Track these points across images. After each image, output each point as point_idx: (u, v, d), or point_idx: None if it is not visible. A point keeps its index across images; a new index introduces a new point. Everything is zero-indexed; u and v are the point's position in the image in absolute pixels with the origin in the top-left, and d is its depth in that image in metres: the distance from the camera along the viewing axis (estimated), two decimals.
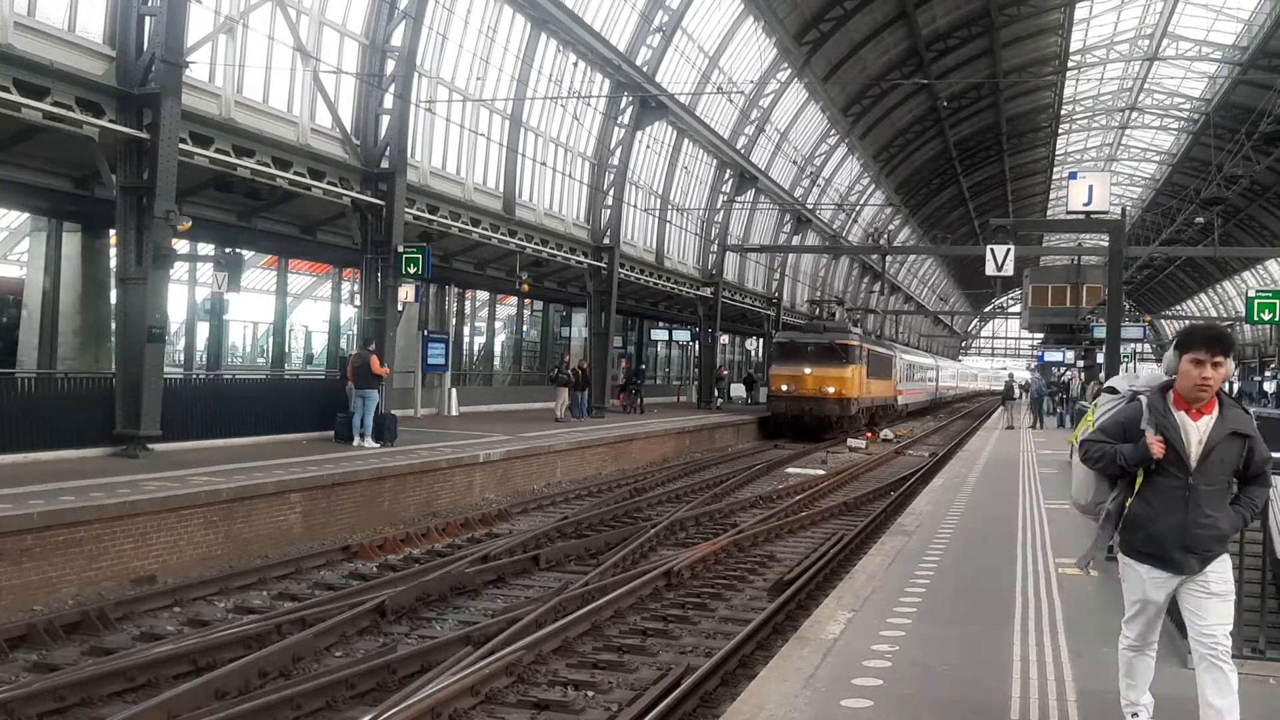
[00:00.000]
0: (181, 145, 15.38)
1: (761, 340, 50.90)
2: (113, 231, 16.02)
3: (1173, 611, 7.68)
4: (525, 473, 19.29)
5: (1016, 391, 42.61)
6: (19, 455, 13.48)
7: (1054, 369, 52.00)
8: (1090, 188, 12.41)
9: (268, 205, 20.39)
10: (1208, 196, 46.86)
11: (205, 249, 19.31)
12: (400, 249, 19.79)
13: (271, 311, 24.93)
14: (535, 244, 27.41)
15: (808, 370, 33.88)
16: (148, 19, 15.13)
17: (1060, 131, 62.45)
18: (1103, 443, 4.91)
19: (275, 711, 7.10)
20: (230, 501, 12.36)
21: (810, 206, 50.37)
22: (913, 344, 78.68)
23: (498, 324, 35.52)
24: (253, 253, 22.17)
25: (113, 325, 16.48)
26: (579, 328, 36.77)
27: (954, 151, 61.13)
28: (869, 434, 36.65)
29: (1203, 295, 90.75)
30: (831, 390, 33.64)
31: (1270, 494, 7.10)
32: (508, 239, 26.00)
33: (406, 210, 20.89)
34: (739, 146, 40.24)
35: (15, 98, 13.34)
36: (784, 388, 34.11)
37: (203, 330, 23.38)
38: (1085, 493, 5.18)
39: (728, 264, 43.18)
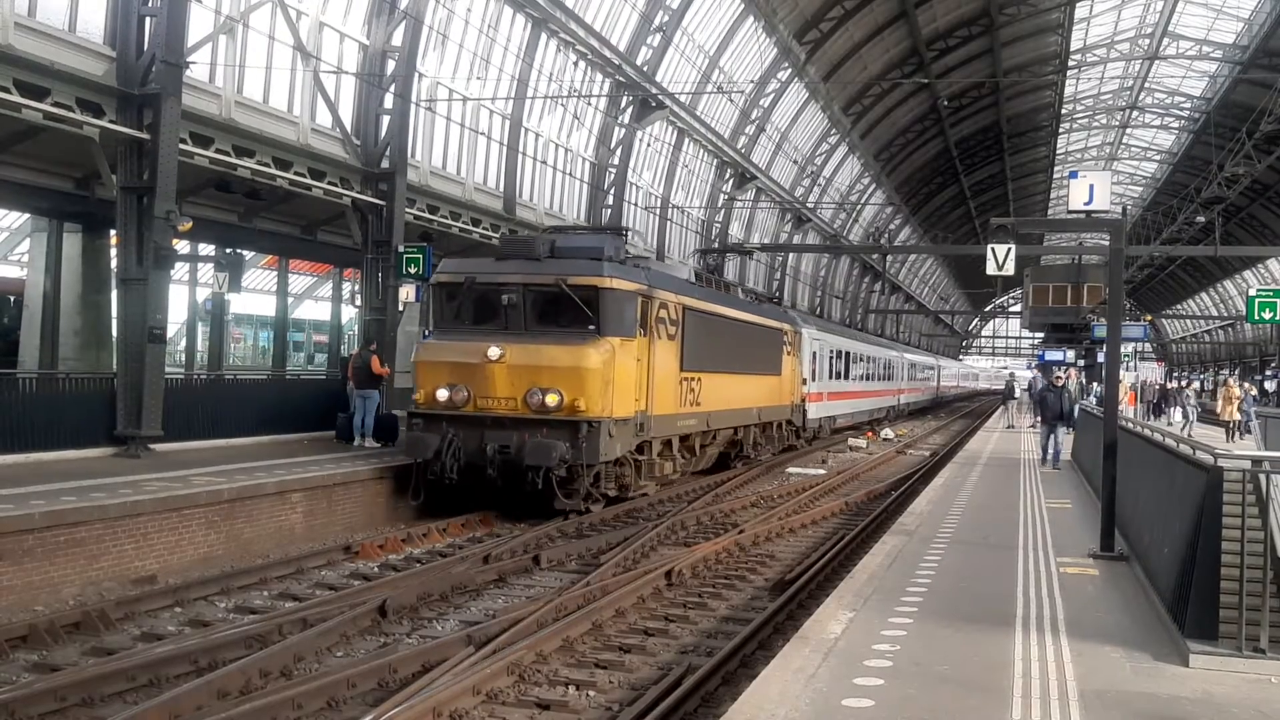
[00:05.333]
0: (182, 145, 15.40)
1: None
2: (113, 232, 16.04)
3: (1175, 611, 7.69)
4: None
5: (1017, 391, 42.53)
6: (20, 455, 13.49)
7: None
8: (1091, 187, 12.38)
9: (268, 205, 20.40)
10: (1208, 196, 46.87)
11: (206, 249, 19.32)
12: (401, 249, 19.80)
13: (272, 311, 24.95)
14: None
15: (495, 352, 14.76)
16: (148, 19, 15.15)
17: (1061, 131, 62.44)
18: None
19: (276, 711, 7.10)
20: (231, 501, 12.35)
21: (810, 206, 50.37)
22: (913, 343, 77.50)
23: None
24: (253, 253, 22.19)
25: (114, 325, 16.49)
26: None
27: (954, 151, 61.12)
28: (869, 434, 36.59)
29: (1204, 294, 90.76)
30: (553, 401, 14.60)
31: (1273, 492, 7.12)
32: None
33: (407, 210, 20.91)
34: (739, 146, 40.24)
35: (16, 98, 13.35)
36: (443, 394, 14.97)
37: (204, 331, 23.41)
38: None
39: (728, 264, 43.18)
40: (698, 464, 20.09)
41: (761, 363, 22.80)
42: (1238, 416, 28.38)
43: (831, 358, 31.93)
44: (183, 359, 25.29)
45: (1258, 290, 25.83)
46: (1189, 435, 19.20)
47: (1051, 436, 20.50)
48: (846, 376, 34.52)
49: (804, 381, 27.33)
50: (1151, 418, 32.66)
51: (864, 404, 38.23)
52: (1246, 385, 35.60)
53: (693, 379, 18.04)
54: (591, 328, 14.89)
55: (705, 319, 18.62)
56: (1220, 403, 31.04)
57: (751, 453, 23.20)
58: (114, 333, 16.42)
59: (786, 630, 9.28)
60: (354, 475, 14.57)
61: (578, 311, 14.93)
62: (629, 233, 17.87)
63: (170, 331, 19.90)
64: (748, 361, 21.58)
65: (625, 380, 15.22)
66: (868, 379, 39.05)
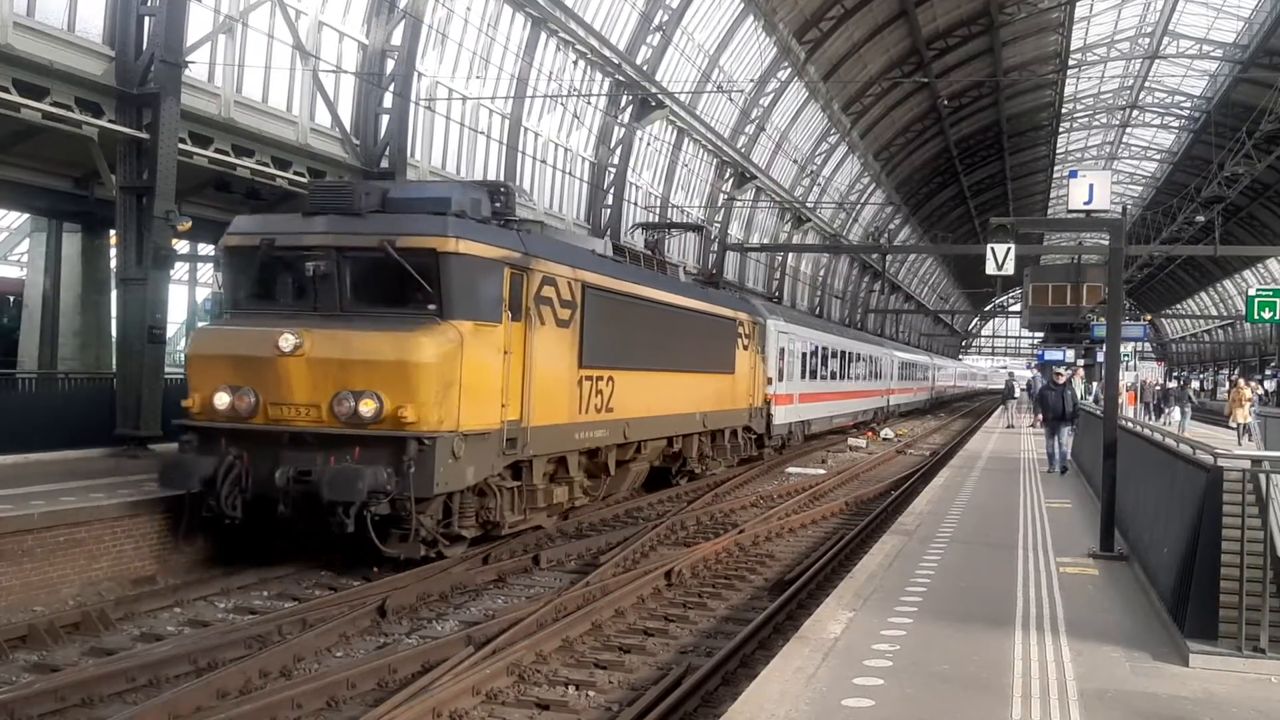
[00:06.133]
0: (181, 145, 15.41)
1: None
2: (113, 232, 16.05)
3: (1174, 610, 7.69)
4: None
5: (1016, 391, 42.53)
6: (20, 455, 13.49)
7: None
8: (1091, 186, 12.39)
9: (268, 205, 20.38)
10: (1208, 195, 46.91)
11: (205, 249, 19.31)
12: None
13: None
14: None
15: (289, 342, 10.89)
16: (147, 19, 15.16)
17: (1061, 130, 62.49)
18: None
19: (276, 711, 7.10)
20: None
21: (810, 206, 50.39)
22: (913, 342, 77.36)
23: None
24: None
25: (113, 325, 16.50)
26: None
27: (954, 150, 61.15)
28: (869, 433, 36.57)
29: (1203, 294, 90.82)
30: (369, 409, 10.78)
31: (1273, 491, 7.12)
32: None
33: None
34: (739, 146, 40.25)
35: (15, 98, 13.37)
36: (222, 400, 11.19)
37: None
38: None
39: (728, 264, 43.21)
40: (617, 485, 16.64)
41: (706, 359, 19.05)
42: (1247, 419, 26.90)
43: (805, 354, 28.33)
44: (182, 359, 25.29)
45: (1257, 290, 25.79)
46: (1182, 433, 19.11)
47: (1055, 439, 19.17)
48: (823, 375, 30.94)
49: (768, 381, 23.79)
50: (1152, 418, 32.30)
51: (844, 406, 34.45)
52: (1253, 384, 34.68)
53: (601, 378, 14.40)
54: (431, 308, 11.11)
55: (619, 303, 14.95)
56: (1230, 404, 29.40)
57: (698, 467, 19.91)
58: (113, 333, 16.43)
59: (786, 630, 9.28)
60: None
61: (411, 286, 11.08)
62: (513, 190, 13.41)
63: (170, 331, 19.92)
64: (686, 357, 17.82)
65: (481, 380, 11.39)
66: (849, 378, 35.42)
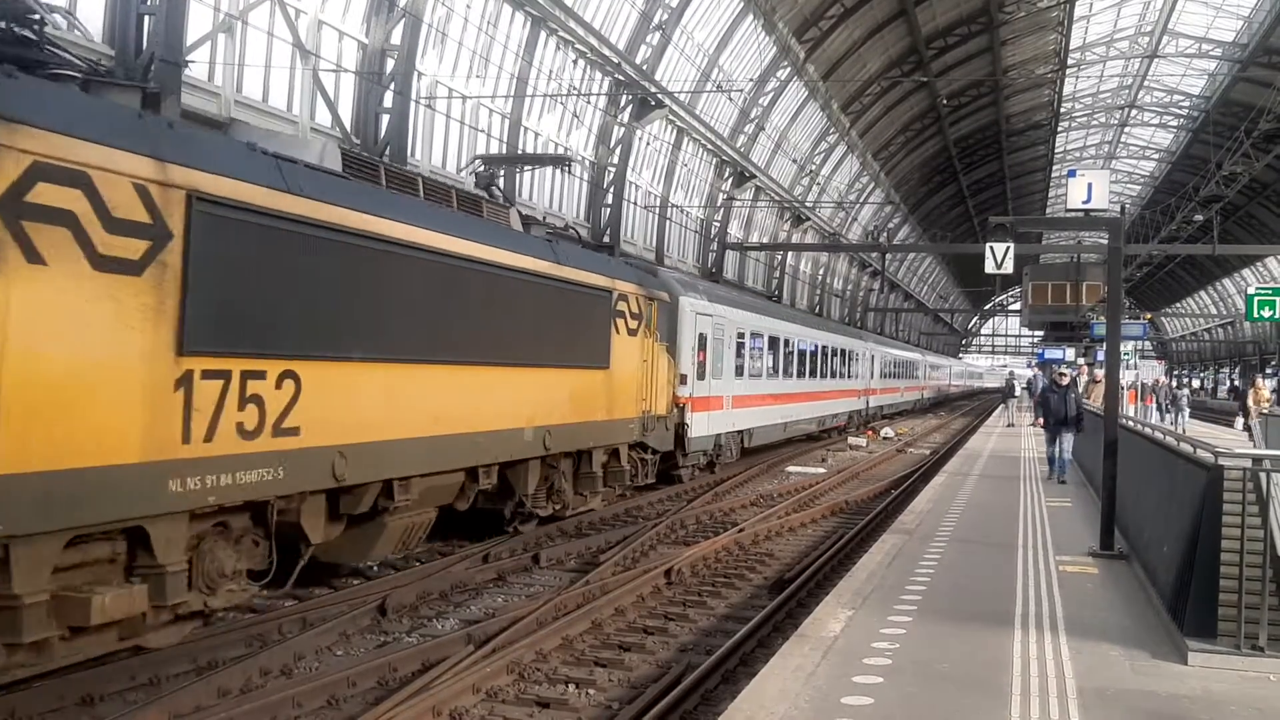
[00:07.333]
0: None
1: None
2: None
3: (1174, 609, 7.70)
4: None
5: (1017, 390, 42.59)
6: None
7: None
8: (1089, 185, 12.40)
9: None
10: (1207, 194, 46.95)
11: None
12: None
13: None
14: None
15: None
16: (147, 17, 15.14)
17: (1060, 129, 62.45)
18: None
19: (276, 710, 7.10)
20: None
21: (809, 205, 50.39)
22: (913, 341, 77.15)
23: None
24: None
25: None
26: None
27: (953, 149, 61.15)
28: (869, 431, 36.58)
29: (1202, 293, 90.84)
30: None
31: (1273, 490, 7.13)
32: None
33: None
34: (738, 145, 40.26)
35: None
36: None
37: None
38: None
39: (728, 262, 43.20)
40: (355, 551, 10.49)
41: (548, 346, 12.92)
42: (1253, 421, 25.74)
43: (743, 344, 22.62)
44: None
45: (1256, 289, 25.75)
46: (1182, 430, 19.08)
47: (1056, 444, 17.92)
48: (771, 372, 25.20)
49: (681, 380, 18.38)
50: (1160, 418, 31.90)
51: (802, 410, 28.10)
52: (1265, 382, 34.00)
53: (252, 374, 8.06)
54: None
55: (320, 244, 8.79)
56: (1250, 404, 28.08)
57: (545, 507, 13.83)
58: None
59: (786, 629, 9.30)
60: None
61: None
62: (41, 19, 7.90)
63: None
64: (501, 342, 11.72)
65: None
66: (811, 375, 29.23)
